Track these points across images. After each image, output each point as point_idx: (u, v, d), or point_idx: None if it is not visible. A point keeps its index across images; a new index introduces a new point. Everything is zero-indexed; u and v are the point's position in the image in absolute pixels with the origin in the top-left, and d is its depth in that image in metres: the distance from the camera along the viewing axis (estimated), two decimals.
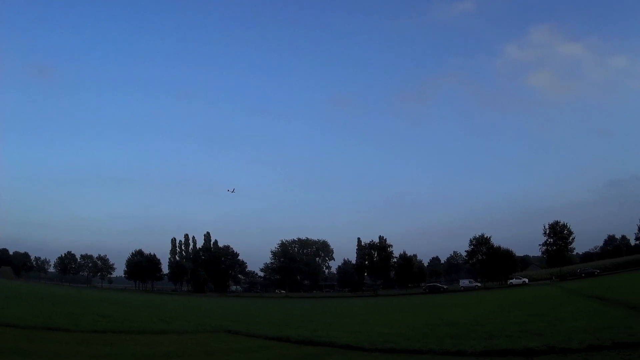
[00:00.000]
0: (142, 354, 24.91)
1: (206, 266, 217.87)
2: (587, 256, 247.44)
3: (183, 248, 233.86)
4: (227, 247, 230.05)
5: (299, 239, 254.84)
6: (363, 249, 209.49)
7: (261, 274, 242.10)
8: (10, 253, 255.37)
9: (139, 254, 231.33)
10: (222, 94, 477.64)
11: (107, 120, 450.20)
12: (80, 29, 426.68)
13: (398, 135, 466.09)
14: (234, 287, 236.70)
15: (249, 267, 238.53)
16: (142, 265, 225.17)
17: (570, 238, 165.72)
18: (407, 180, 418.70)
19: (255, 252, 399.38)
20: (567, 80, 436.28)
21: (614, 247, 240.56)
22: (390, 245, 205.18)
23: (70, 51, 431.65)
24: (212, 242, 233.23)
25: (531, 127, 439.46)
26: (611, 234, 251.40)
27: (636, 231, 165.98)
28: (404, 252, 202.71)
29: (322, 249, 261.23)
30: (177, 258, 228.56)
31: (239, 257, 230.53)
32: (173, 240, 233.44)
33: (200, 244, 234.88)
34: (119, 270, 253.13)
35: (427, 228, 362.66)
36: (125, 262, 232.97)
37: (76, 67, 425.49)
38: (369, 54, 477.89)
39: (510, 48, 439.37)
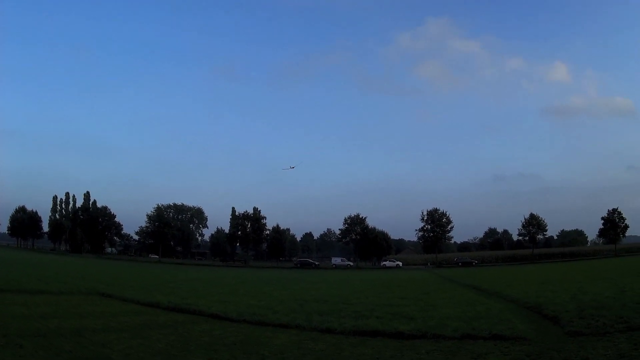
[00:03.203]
0: (20, 314, 25.00)
1: (84, 226, 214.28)
2: (465, 246, 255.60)
3: (64, 207, 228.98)
4: (105, 208, 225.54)
5: (175, 204, 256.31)
6: (237, 219, 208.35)
7: (136, 237, 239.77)
8: None
9: (22, 210, 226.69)
10: (111, 44, 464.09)
11: None
12: None
13: (278, 109, 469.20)
14: (109, 249, 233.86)
15: (125, 230, 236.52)
16: (24, 222, 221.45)
17: (449, 227, 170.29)
18: (285, 155, 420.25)
19: (132, 214, 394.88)
20: (460, 74, 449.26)
21: (495, 240, 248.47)
22: (264, 217, 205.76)
23: None
24: (90, 202, 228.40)
25: (416, 115, 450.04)
26: (492, 227, 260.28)
27: (519, 227, 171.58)
28: (277, 225, 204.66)
29: (197, 216, 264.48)
30: (58, 217, 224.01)
31: (116, 219, 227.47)
32: (54, 198, 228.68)
33: (80, 203, 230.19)
34: (3, 227, 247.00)
35: (302, 203, 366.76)
36: (9, 218, 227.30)
37: None
38: (254, 26, 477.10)
39: (404, 37, 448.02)
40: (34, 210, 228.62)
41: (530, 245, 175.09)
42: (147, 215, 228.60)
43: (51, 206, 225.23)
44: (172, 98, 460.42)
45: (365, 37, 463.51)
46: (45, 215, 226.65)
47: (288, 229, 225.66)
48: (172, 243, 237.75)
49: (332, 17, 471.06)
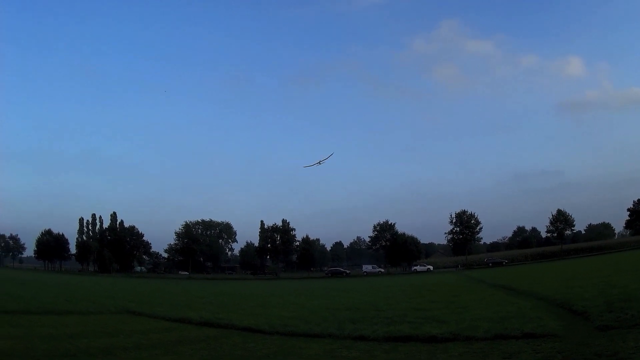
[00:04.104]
0: (48, 335, 24.75)
1: (111, 246, 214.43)
2: (495, 246, 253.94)
3: (90, 228, 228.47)
4: (132, 228, 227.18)
5: (203, 221, 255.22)
6: (266, 232, 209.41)
7: (165, 254, 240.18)
8: None
9: (48, 233, 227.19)
10: (125, 72, 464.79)
11: (15, 93, 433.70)
12: None
13: (295, 118, 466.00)
14: (138, 268, 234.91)
15: (154, 248, 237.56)
16: (50, 245, 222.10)
17: (478, 228, 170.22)
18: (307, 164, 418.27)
19: (160, 233, 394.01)
20: (475, 75, 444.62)
21: (523, 238, 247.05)
22: (293, 229, 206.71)
23: None
24: (117, 223, 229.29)
25: (434, 119, 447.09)
26: (521, 226, 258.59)
27: (547, 224, 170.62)
28: (307, 236, 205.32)
29: (225, 230, 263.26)
30: (84, 238, 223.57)
31: (144, 238, 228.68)
32: (81, 220, 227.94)
33: (107, 224, 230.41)
34: (30, 250, 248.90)
35: (331, 213, 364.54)
36: (35, 241, 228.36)
37: None
38: (267, 36, 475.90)
39: (417, 41, 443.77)
40: (60, 233, 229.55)
41: (558, 242, 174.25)
42: (176, 232, 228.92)
43: (77, 228, 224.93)
44: (192, 113, 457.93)
45: (379, 43, 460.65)
46: (71, 237, 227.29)
47: (317, 239, 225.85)
48: (201, 259, 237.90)
49: (345, 24, 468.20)
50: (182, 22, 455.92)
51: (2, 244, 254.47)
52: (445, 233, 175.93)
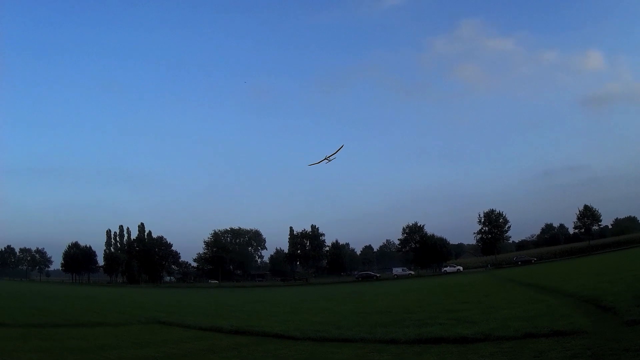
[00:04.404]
0: (78, 347, 24.84)
1: (140, 257, 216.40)
2: (523, 244, 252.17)
3: (118, 239, 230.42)
4: (160, 238, 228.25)
5: (232, 229, 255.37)
6: (295, 238, 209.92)
7: (194, 264, 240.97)
8: None
9: (75, 246, 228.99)
10: (146, 83, 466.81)
11: (39, 112, 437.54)
12: None
13: (319, 123, 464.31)
14: (167, 278, 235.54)
15: (182, 258, 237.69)
16: (77, 257, 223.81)
17: (506, 227, 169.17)
18: (339, 169, 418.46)
19: (189, 242, 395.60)
20: (497, 73, 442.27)
21: (551, 235, 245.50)
22: (323, 234, 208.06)
23: None
24: (146, 233, 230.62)
25: (458, 119, 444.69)
26: (549, 223, 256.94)
27: (575, 220, 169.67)
28: (336, 241, 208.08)
29: (255, 238, 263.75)
30: (112, 249, 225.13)
31: (173, 248, 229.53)
32: (108, 232, 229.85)
33: (134, 235, 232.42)
34: (57, 263, 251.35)
35: (360, 216, 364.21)
36: (62, 254, 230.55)
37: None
38: (288, 44, 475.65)
39: (438, 42, 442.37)
40: (88, 245, 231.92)
41: (585, 237, 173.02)
42: (204, 241, 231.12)
43: (105, 240, 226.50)
44: (218, 121, 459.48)
45: (401, 45, 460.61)
46: (99, 249, 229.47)
47: (347, 244, 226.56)
48: (231, 267, 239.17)
49: (367, 28, 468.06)
50: (206, 31, 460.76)
51: (29, 258, 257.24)
52: (474, 233, 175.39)
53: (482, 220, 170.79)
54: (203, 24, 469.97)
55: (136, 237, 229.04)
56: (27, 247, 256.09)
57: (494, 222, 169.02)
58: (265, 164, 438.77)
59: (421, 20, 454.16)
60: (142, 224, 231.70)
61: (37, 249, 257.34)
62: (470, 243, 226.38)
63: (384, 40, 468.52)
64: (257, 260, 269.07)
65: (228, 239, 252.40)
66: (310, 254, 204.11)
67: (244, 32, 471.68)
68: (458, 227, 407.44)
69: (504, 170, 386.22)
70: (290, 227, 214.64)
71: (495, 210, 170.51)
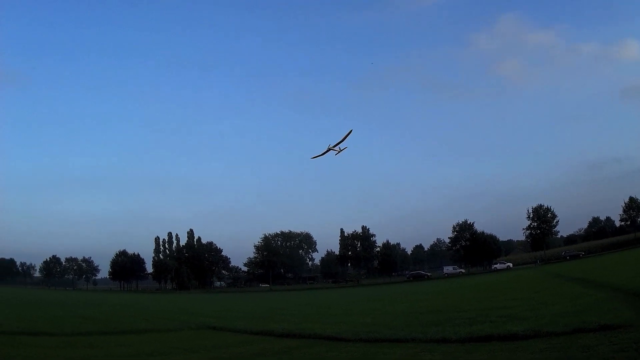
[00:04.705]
0: (126, 354, 25.15)
1: (189, 263, 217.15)
2: (572, 239, 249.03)
3: (167, 246, 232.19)
4: (210, 244, 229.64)
5: (282, 232, 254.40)
6: (346, 240, 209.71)
7: (245, 268, 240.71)
8: None
9: (122, 254, 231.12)
10: (192, 92, 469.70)
11: (84, 122, 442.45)
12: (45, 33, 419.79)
13: (361, 122, 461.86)
14: (217, 283, 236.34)
15: (233, 262, 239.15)
16: (126, 265, 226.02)
17: (554, 221, 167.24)
18: (387, 169, 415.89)
19: (239, 247, 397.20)
20: (537, 67, 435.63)
21: (599, 229, 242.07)
22: (373, 235, 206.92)
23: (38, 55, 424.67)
24: (195, 239, 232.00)
25: (502, 115, 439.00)
26: (596, 216, 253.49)
27: (620, 212, 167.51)
28: (387, 241, 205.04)
29: (305, 241, 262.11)
30: (161, 256, 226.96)
31: (223, 253, 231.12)
32: (157, 239, 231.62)
33: (183, 241, 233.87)
34: (104, 272, 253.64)
35: (410, 216, 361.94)
36: (109, 263, 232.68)
37: (45, 70, 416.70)
38: (328, 47, 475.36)
39: (478, 38, 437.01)
40: (136, 253, 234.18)
41: (632, 229, 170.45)
42: (255, 245, 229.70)
43: (154, 247, 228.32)
44: (263, 125, 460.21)
45: (441, 43, 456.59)
46: (147, 257, 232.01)
47: (398, 244, 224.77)
48: (282, 270, 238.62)
49: (406, 27, 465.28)
50: (249, 35, 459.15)
51: (75, 267, 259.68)
52: (523, 229, 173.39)
53: (531, 216, 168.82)
54: (244, 28, 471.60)
55: (185, 244, 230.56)
56: (73, 257, 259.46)
57: (542, 218, 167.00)
58: (313, 165, 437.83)
59: (460, 17, 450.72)
60: (191, 230, 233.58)
61: (84, 258, 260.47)
62: (520, 239, 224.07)
63: (423, 39, 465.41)
64: (308, 263, 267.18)
65: (279, 242, 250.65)
66: (361, 255, 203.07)
67: (285, 34, 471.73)
68: (507, 223, 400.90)
69: (549, 165, 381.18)
70: (341, 229, 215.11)
71: (543, 206, 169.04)
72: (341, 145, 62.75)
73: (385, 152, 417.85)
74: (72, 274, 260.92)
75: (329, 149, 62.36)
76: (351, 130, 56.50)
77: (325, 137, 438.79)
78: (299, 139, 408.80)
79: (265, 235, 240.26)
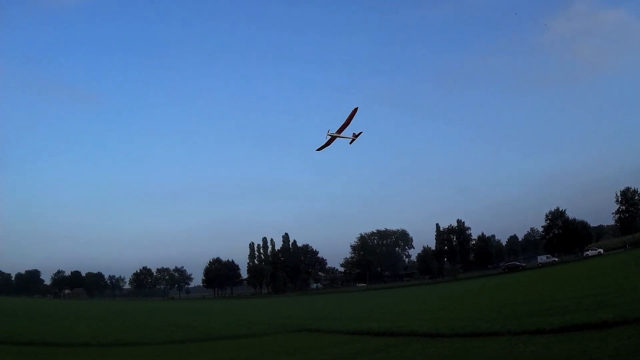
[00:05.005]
0: None
1: (285, 267, 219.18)
2: None
3: (262, 251, 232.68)
4: (305, 246, 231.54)
5: (378, 231, 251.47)
6: (442, 234, 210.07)
7: (341, 269, 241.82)
8: (83, 275, 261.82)
9: (216, 261, 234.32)
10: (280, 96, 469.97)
11: (170, 133, 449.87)
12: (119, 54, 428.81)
13: (448, 117, 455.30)
14: (314, 285, 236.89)
15: (329, 264, 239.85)
16: (220, 272, 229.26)
17: None
18: (479, 161, 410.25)
19: (335, 248, 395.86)
20: (616, 46, 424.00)
21: None
22: (468, 228, 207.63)
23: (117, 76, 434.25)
24: (290, 243, 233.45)
25: (584, 98, 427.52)
26: None
27: None
28: (482, 234, 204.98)
29: (401, 238, 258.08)
30: (256, 262, 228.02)
31: (319, 255, 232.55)
32: (251, 245, 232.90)
33: (279, 245, 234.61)
34: (197, 280, 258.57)
35: (503, 206, 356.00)
36: (202, 271, 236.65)
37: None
38: (412, 43, 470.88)
39: (556, 21, 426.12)
40: (230, 260, 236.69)
41: None
42: (351, 245, 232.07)
43: (248, 253, 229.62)
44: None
45: (519, 31, 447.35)
46: (241, 263, 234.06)
47: (493, 236, 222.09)
48: (378, 269, 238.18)
49: (485, 19, 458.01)
50: (332, 32, 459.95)
51: (167, 277, 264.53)
52: (613, 213, 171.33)
53: (619, 200, 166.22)
54: (325, 26, 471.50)
55: (281, 248, 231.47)
56: (164, 267, 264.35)
57: (630, 201, 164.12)
58: (405, 163, 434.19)
59: (537, 2, 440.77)
60: (286, 234, 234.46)
61: (176, 267, 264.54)
62: (610, 224, 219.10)
63: (500, 29, 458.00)
64: (404, 260, 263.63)
65: (375, 241, 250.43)
66: (457, 249, 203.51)
67: (365, 30, 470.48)
68: (597, 208, 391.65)
69: (635, 145, 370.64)
70: (437, 224, 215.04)
71: (630, 188, 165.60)
72: (354, 132, 49.20)
73: (476, 143, 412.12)
74: (163, 284, 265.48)
75: (332, 137, 48.52)
76: (356, 108, 45.75)
77: (416, 134, 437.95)
78: (395, 137, 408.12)
79: (361, 234, 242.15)
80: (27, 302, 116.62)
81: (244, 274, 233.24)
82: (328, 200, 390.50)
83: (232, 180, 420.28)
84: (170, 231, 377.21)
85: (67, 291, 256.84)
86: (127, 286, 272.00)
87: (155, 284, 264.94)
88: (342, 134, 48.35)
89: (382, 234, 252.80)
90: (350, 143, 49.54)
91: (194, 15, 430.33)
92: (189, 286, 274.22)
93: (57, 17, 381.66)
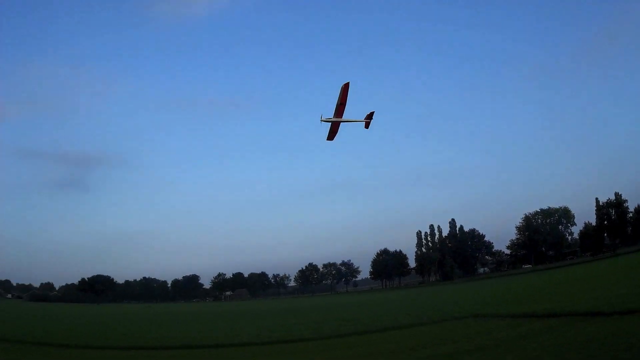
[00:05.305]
0: (387, 350, 26.21)
1: (452, 253, 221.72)
2: None
3: (429, 239, 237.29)
4: (472, 231, 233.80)
5: (541, 210, 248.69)
6: (601, 209, 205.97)
7: (507, 251, 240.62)
8: (246, 276, 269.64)
9: (384, 252, 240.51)
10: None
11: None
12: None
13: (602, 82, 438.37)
14: (481, 270, 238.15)
15: (496, 247, 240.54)
16: (388, 263, 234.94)
17: None
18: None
19: (500, 229, 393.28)
20: None
21: None
22: (626, 201, 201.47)
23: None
24: (457, 228, 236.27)
25: None
26: None
27: None
28: (639, 205, 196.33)
29: (564, 215, 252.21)
30: (424, 250, 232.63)
31: (485, 239, 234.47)
32: (418, 233, 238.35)
33: (445, 232, 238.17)
34: (365, 272, 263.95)
35: None
36: (370, 263, 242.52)
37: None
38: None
39: None
40: (398, 250, 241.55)
41: None
42: (516, 227, 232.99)
43: (415, 242, 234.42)
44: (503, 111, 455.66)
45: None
46: (408, 252, 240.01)
47: None
48: (543, 249, 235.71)
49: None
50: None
51: (333, 272, 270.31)
52: None
53: None
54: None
55: (448, 234, 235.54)
56: (331, 262, 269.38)
57: None
58: (562, 135, 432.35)
59: None
60: (452, 219, 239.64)
61: (343, 261, 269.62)
62: None
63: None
64: (567, 238, 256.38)
65: (539, 220, 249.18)
66: (616, 223, 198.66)
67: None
68: None
69: None
70: (596, 198, 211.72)
71: None
72: (361, 118, 45.50)
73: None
74: (330, 279, 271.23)
75: (336, 122, 44.21)
76: (348, 83, 38.14)
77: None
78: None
79: (525, 214, 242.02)
80: (183, 307, 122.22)
81: (412, 263, 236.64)
82: (491, 182, 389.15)
83: (394, 169, 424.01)
84: (335, 227, 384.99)
85: (228, 293, 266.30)
86: (292, 283, 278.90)
87: (322, 279, 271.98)
88: (350, 118, 45.29)
89: (546, 213, 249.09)
90: (367, 127, 47.01)
91: None
92: (357, 279, 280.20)
93: None
